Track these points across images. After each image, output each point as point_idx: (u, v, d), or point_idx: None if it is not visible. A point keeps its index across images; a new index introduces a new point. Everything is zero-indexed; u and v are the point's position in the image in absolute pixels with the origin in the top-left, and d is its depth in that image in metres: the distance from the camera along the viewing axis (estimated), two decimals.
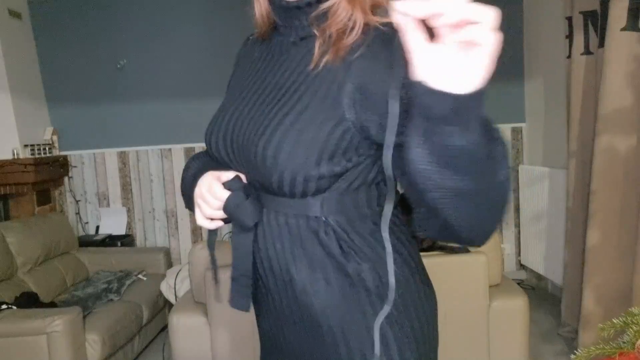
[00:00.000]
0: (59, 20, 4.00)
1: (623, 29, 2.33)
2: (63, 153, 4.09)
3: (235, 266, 0.84)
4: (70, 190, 4.15)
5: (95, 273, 3.50)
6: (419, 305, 0.81)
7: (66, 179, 4.13)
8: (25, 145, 3.66)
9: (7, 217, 3.68)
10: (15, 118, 3.60)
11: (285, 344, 0.86)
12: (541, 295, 3.66)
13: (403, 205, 0.82)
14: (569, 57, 2.88)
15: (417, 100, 0.55)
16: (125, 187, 4.17)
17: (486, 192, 0.62)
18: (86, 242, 3.81)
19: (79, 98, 4.07)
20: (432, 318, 0.84)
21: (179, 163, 4.12)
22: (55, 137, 4.00)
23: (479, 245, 0.70)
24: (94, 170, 4.16)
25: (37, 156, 3.70)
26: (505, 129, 4.01)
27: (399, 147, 0.60)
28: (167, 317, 2.51)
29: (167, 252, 3.73)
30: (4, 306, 2.59)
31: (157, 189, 4.16)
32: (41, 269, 3.19)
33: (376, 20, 0.73)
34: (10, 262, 2.96)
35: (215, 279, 0.94)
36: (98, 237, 3.92)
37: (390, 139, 0.60)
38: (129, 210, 4.17)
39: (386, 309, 0.71)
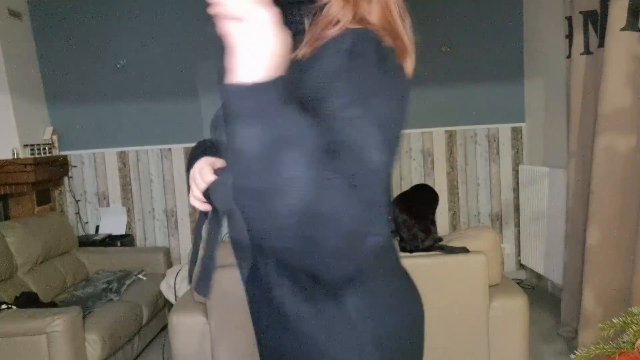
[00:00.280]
0: (59, 20, 4.00)
1: (623, 29, 2.33)
2: (63, 153, 4.09)
3: (206, 252, 0.86)
4: (70, 190, 4.15)
5: (95, 273, 3.50)
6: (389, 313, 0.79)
7: (66, 178, 4.13)
8: (25, 145, 3.66)
9: (6, 217, 3.68)
10: (15, 118, 3.60)
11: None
12: (541, 295, 3.66)
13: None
14: (568, 57, 2.88)
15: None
16: (125, 187, 4.17)
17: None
18: (86, 242, 3.81)
19: (79, 98, 4.07)
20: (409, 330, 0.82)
21: (178, 163, 4.12)
22: (55, 137, 4.00)
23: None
24: (93, 170, 4.16)
25: (37, 156, 3.69)
26: (505, 129, 4.01)
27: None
28: (167, 317, 2.51)
29: (166, 252, 3.74)
30: (3, 306, 2.59)
31: (157, 188, 4.16)
32: (41, 269, 3.19)
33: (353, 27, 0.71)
34: (10, 262, 2.96)
35: (193, 261, 0.93)
36: (98, 237, 3.92)
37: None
38: (128, 210, 4.17)
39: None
